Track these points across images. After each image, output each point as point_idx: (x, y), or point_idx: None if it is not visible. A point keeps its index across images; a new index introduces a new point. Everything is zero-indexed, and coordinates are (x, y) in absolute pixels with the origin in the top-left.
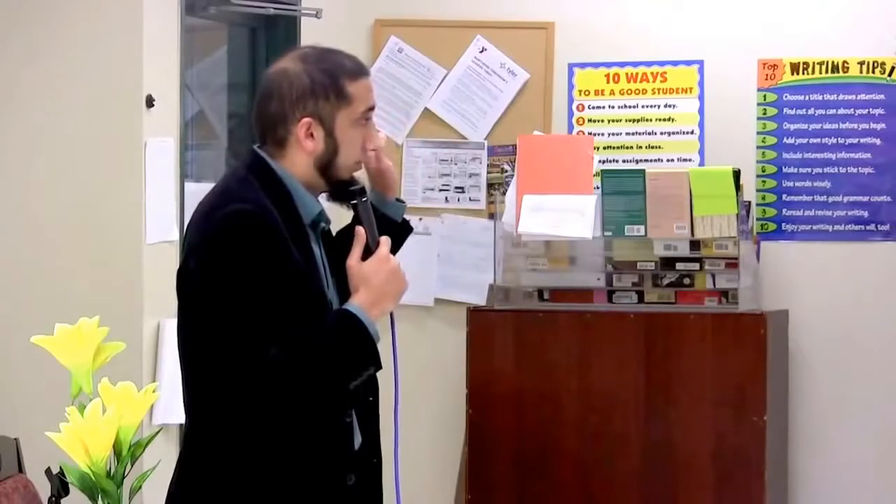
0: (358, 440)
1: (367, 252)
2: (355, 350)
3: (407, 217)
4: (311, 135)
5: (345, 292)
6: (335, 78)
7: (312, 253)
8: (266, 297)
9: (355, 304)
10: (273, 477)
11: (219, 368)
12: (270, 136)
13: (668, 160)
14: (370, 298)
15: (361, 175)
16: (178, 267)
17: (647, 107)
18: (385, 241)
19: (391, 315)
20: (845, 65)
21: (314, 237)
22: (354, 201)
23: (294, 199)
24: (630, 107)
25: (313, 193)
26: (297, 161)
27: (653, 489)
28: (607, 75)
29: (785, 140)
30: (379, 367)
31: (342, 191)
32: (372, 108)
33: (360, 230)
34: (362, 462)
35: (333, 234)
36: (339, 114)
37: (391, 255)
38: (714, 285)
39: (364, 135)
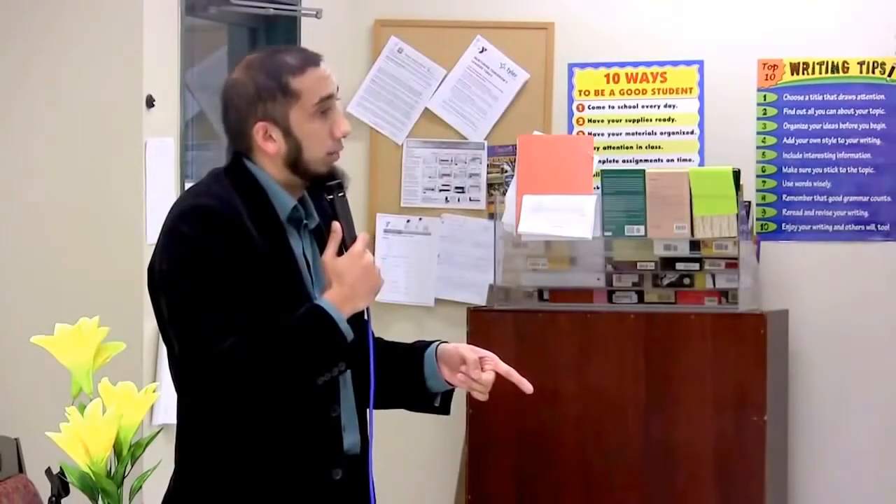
0: (351, 438)
1: (344, 248)
2: (322, 345)
3: (407, 217)
4: (271, 137)
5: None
6: (278, 77)
7: (288, 249)
8: (219, 288)
9: (326, 299)
10: (256, 472)
11: (181, 363)
12: (237, 146)
13: (668, 160)
14: (342, 294)
15: (344, 165)
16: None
17: (647, 107)
18: (361, 238)
19: (367, 311)
20: (845, 65)
21: (296, 234)
22: (331, 196)
23: (269, 197)
24: (630, 107)
25: (295, 191)
26: (268, 164)
27: (653, 489)
28: (607, 75)
29: (785, 140)
30: (349, 363)
31: (320, 185)
32: (329, 97)
33: (336, 226)
34: (352, 458)
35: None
36: (292, 111)
37: (366, 252)
38: (714, 285)
39: (329, 124)
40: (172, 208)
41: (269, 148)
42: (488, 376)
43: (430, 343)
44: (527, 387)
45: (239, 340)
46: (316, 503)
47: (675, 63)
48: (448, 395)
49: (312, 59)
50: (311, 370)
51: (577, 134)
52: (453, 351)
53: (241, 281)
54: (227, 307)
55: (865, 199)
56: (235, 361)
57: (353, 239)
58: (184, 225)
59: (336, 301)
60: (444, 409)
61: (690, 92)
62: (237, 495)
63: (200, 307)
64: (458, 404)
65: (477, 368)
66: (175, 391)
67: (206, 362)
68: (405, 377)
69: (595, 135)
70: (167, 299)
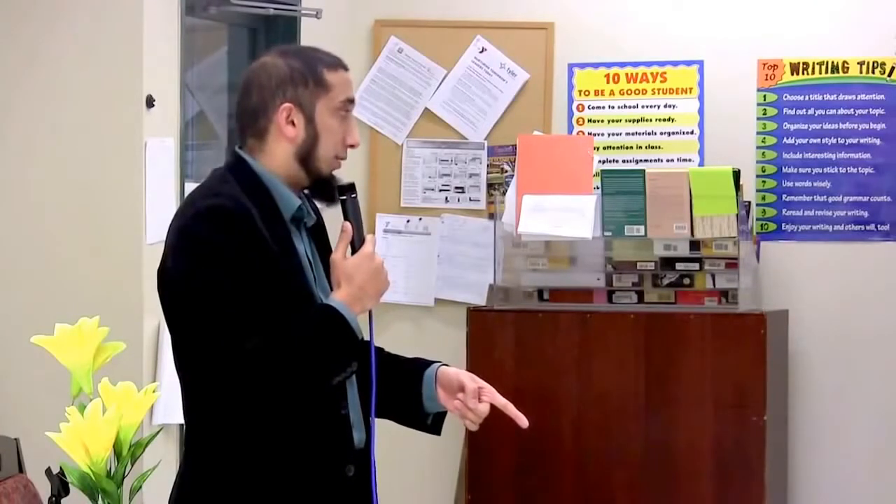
0: (359, 435)
1: (353, 248)
2: (337, 345)
3: (407, 217)
4: (292, 122)
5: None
6: (313, 66)
7: (293, 248)
8: (239, 289)
9: (337, 299)
10: (271, 470)
11: (200, 364)
12: (251, 129)
13: (668, 160)
14: (351, 295)
15: (344, 165)
16: (157, 268)
17: (647, 107)
18: (370, 239)
19: (370, 312)
20: (845, 65)
21: (297, 232)
22: (343, 197)
23: (273, 195)
24: (630, 107)
25: (294, 189)
26: (278, 152)
27: (653, 489)
28: (607, 75)
29: (785, 140)
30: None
31: (331, 188)
32: (351, 101)
33: (346, 226)
34: (362, 455)
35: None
36: (319, 101)
37: (375, 253)
38: (714, 285)
39: (344, 128)
40: (183, 210)
41: (288, 132)
42: (483, 408)
43: (431, 363)
44: (523, 421)
45: (260, 342)
46: (331, 499)
47: (675, 63)
48: (440, 416)
49: (343, 63)
50: (327, 370)
51: (577, 134)
52: (453, 376)
53: (256, 281)
54: (245, 308)
55: (865, 199)
56: (258, 362)
57: (362, 240)
58: (199, 226)
59: (346, 301)
60: (436, 430)
61: (690, 92)
62: (253, 493)
63: (220, 308)
64: None
65: (474, 398)
66: (183, 390)
67: (229, 363)
68: (402, 394)
69: (595, 135)
70: (184, 301)
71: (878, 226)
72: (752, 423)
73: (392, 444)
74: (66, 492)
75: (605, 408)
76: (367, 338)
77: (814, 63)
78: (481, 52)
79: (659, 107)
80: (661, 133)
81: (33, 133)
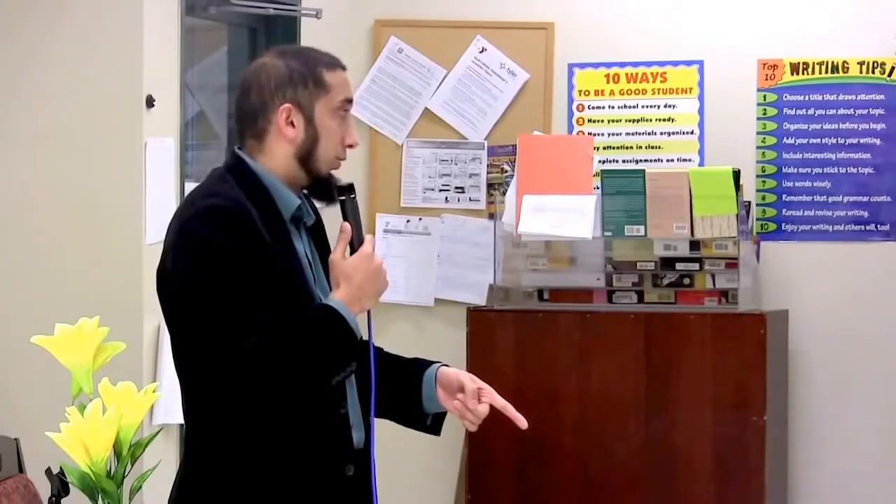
0: (359, 435)
1: (352, 249)
2: (336, 345)
3: (407, 217)
4: (292, 123)
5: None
6: (312, 67)
7: (293, 248)
8: (239, 289)
9: (336, 299)
10: (271, 470)
11: (201, 364)
12: (250, 130)
13: (668, 160)
14: (350, 295)
15: (344, 165)
16: (157, 268)
17: (647, 107)
18: (369, 239)
19: (368, 312)
20: (845, 65)
21: (297, 232)
22: (343, 197)
23: (272, 195)
24: (630, 107)
25: (294, 189)
26: (277, 153)
27: (653, 489)
28: (607, 75)
29: (785, 140)
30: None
31: (330, 188)
32: (350, 101)
33: (345, 226)
34: (362, 455)
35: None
36: (318, 102)
37: (374, 253)
38: (714, 285)
39: (343, 128)
40: (182, 210)
41: (288, 132)
42: (483, 408)
43: (431, 364)
44: (522, 423)
45: (259, 342)
46: (331, 499)
47: (675, 63)
48: (440, 416)
49: (341, 63)
50: (326, 369)
51: (577, 134)
52: (453, 376)
53: (255, 281)
54: (245, 308)
55: (865, 199)
56: (257, 362)
57: (361, 240)
58: (198, 226)
59: (345, 301)
60: (435, 430)
61: (690, 92)
62: (253, 493)
63: (220, 308)
64: None
65: (474, 399)
66: (182, 390)
67: (229, 363)
68: (402, 394)
69: (595, 135)
70: (184, 301)
71: (878, 226)
72: (752, 423)
73: (392, 444)
74: (66, 492)
75: (605, 408)
76: (366, 338)
77: (814, 63)
78: (481, 52)
79: (659, 107)
80: (661, 133)
81: (34, 133)
